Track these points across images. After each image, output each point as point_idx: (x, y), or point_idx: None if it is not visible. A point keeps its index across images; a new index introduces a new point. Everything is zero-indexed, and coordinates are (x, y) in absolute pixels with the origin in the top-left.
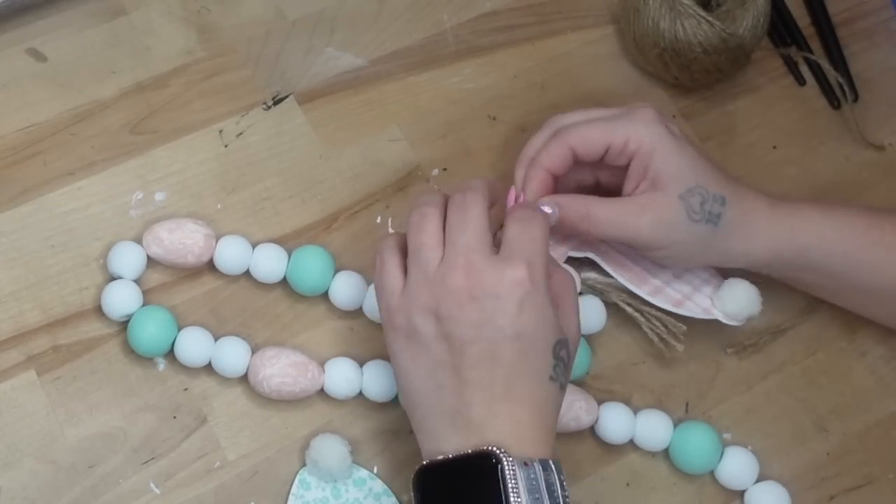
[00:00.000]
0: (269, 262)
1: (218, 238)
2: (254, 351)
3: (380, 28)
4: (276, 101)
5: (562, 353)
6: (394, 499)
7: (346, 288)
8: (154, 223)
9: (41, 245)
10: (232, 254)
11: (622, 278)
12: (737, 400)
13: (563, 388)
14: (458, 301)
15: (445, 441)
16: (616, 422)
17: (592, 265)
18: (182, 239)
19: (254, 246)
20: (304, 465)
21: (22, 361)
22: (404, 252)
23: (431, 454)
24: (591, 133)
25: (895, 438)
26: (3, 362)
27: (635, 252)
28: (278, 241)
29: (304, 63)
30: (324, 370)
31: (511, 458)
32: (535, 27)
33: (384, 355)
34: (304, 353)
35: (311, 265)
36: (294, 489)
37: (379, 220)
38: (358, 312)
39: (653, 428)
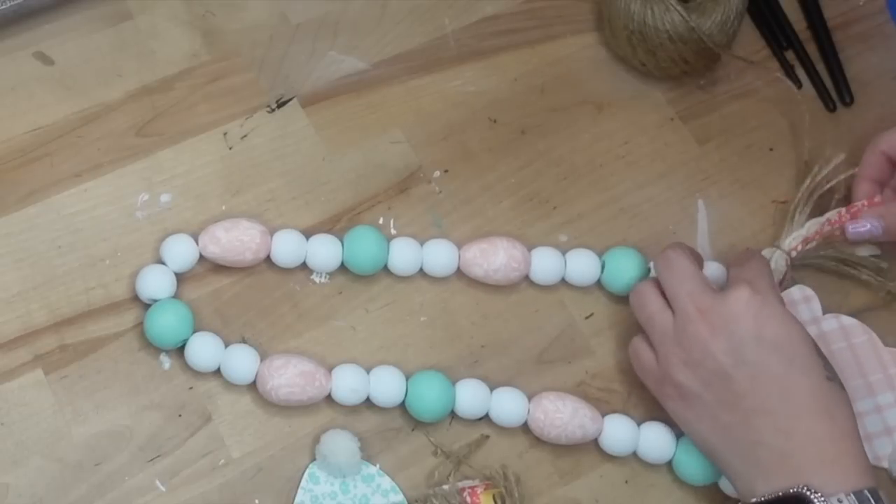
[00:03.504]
0: (326, 250)
1: (272, 234)
2: (261, 355)
3: (382, 32)
4: (280, 104)
5: (821, 353)
6: (401, 496)
7: (403, 256)
8: (162, 224)
9: (48, 246)
10: (289, 248)
11: None
12: None
13: (844, 389)
14: (703, 341)
15: (754, 479)
16: (620, 434)
17: None
18: (239, 236)
19: (307, 237)
20: (313, 459)
21: (29, 361)
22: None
23: (746, 495)
24: None
25: None
26: (10, 361)
27: (854, 369)
28: None
29: (308, 66)
30: (331, 377)
31: (822, 497)
32: (535, 31)
33: (385, 359)
34: (312, 361)
35: (366, 247)
36: (303, 483)
37: (381, 221)
38: (359, 312)
39: (656, 441)
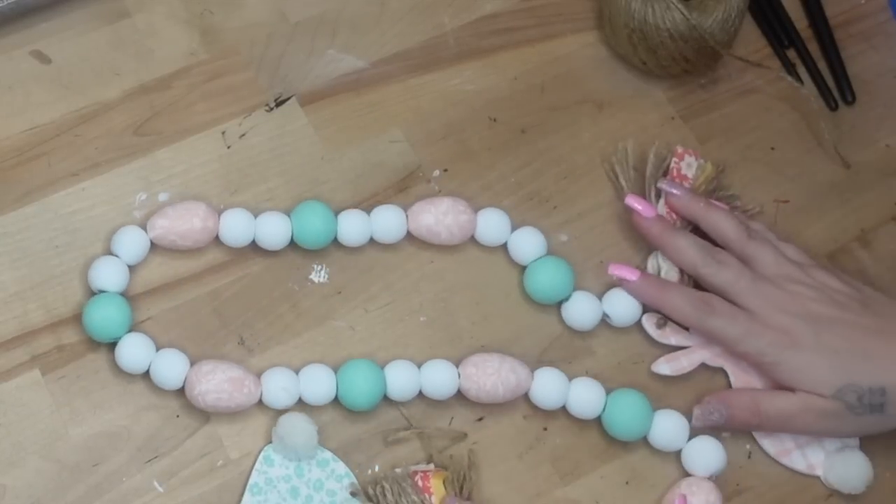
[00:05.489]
0: (275, 227)
1: (221, 213)
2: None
3: (381, 30)
4: (279, 103)
5: None
6: (355, 481)
7: (352, 227)
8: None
9: (45, 245)
10: (238, 225)
11: None
12: None
13: None
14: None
15: None
16: (550, 386)
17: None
18: (186, 206)
19: (256, 216)
20: (269, 441)
21: (26, 361)
22: None
23: None
24: (717, 339)
25: (892, 437)
26: (7, 362)
27: (774, 380)
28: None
29: (307, 65)
30: (260, 383)
31: None
32: (534, 29)
33: (385, 359)
34: (241, 368)
35: (314, 221)
36: (258, 465)
37: None
38: (359, 312)
39: (586, 396)
